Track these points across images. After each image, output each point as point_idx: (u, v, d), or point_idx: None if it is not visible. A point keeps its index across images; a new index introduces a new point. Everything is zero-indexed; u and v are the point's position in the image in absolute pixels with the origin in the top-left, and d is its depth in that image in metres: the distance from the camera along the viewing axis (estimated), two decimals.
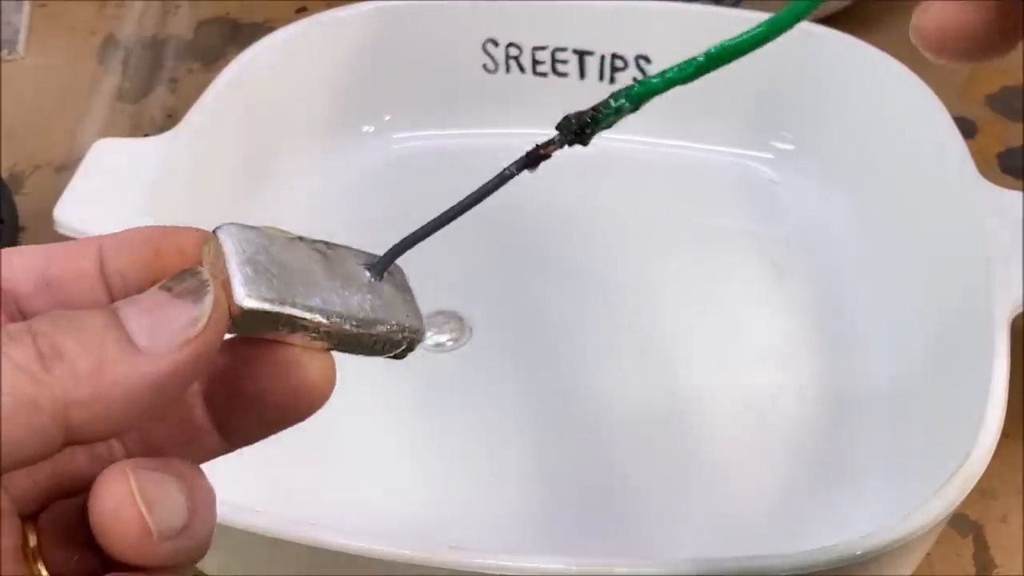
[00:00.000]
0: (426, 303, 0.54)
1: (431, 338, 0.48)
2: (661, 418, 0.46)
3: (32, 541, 0.20)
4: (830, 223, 0.52)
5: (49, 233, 0.43)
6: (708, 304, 0.50)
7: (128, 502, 0.19)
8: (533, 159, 0.22)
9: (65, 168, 0.56)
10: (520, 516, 0.43)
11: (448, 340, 0.48)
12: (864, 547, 0.33)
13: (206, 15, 0.65)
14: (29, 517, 0.21)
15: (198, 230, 0.22)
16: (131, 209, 0.43)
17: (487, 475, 0.44)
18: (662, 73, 0.23)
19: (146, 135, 0.53)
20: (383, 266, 0.23)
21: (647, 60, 0.53)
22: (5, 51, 0.62)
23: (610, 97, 0.22)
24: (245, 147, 0.51)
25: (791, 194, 0.53)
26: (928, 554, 0.40)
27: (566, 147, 0.22)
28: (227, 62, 0.51)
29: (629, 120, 0.64)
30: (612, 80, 0.53)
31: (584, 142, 0.22)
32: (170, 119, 0.58)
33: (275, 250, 0.21)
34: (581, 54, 0.53)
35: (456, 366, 0.48)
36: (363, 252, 0.23)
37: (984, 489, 0.42)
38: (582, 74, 0.54)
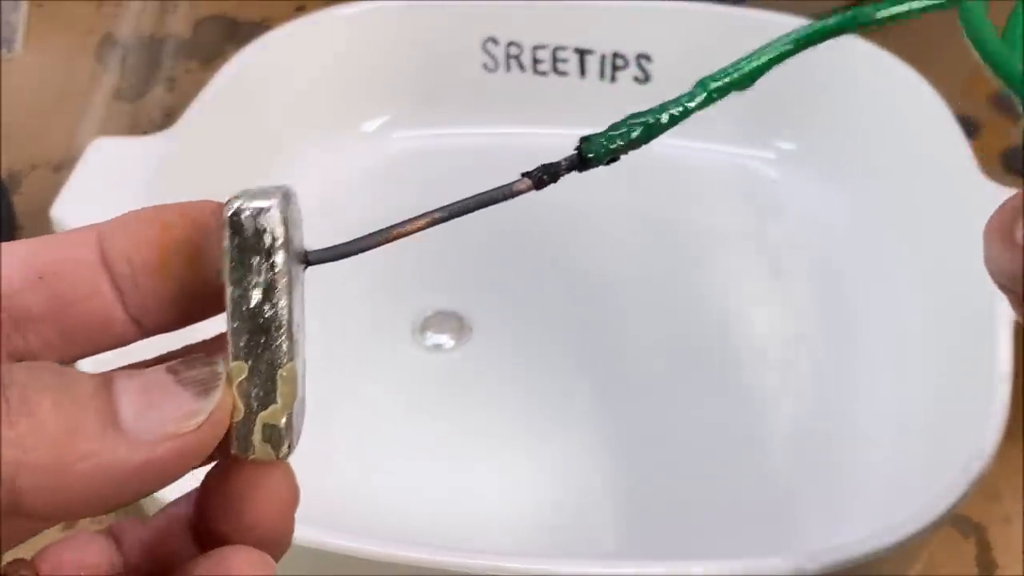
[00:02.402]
0: (426, 303, 0.54)
1: (430, 338, 0.48)
2: (661, 418, 0.46)
3: None
4: (830, 223, 0.51)
5: (47, 232, 0.43)
6: (708, 304, 0.50)
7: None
8: (544, 181, 0.20)
9: (63, 167, 0.55)
10: (519, 516, 0.43)
11: (448, 340, 0.48)
12: (865, 548, 0.33)
13: (204, 13, 0.64)
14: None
15: (212, 202, 0.20)
16: (128, 208, 0.43)
17: (486, 475, 0.44)
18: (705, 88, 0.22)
19: (144, 134, 0.53)
20: (320, 260, 0.20)
21: (648, 59, 0.53)
22: (4, 50, 0.62)
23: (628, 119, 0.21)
24: (243, 146, 0.51)
25: (792, 194, 0.53)
26: (930, 555, 0.40)
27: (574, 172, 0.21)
28: (225, 61, 0.51)
29: None
30: (613, 79, 0.53)
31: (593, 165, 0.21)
32: (168, 118, 0.57)
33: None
34: (582, 53, 0.53)
35: (455, 366, 0.48)
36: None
37: (987, 490, 0.41)
38: (583, 73, 0.54)
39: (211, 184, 0.52)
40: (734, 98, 0.56)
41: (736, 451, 0.45)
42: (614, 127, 0.21)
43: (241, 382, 0.18)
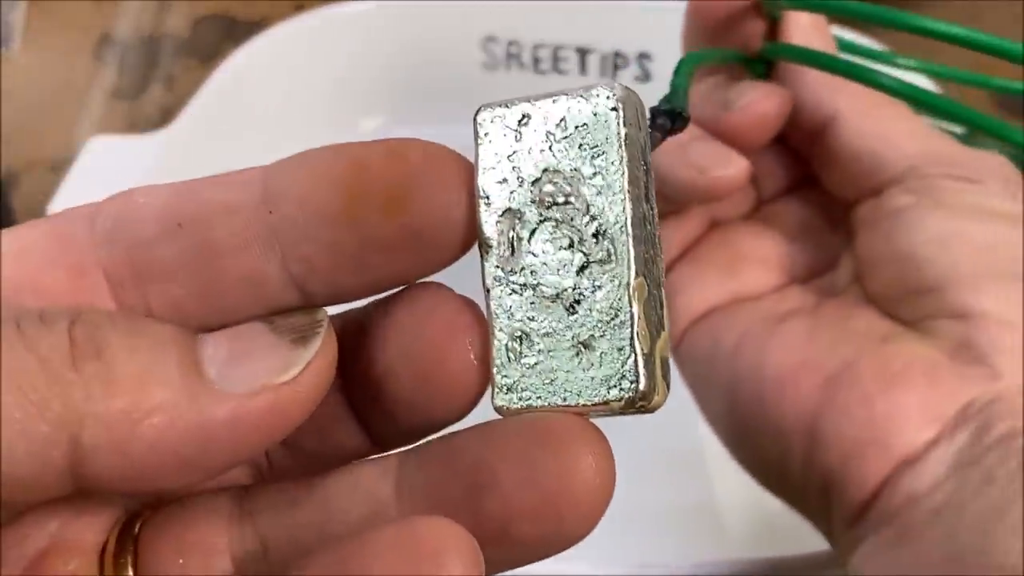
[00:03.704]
0: None
1: None
2: (661, 417, 0.46)
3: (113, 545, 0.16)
4: None
5: None
6: None
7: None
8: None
9: (61, 166, 0.55)
10: None
11: None
12: None
13: (203, 12, 0.64)
14: (128, 519, 0.17)
15: (434, 144, 0.16)
16: None
17: None
18: None
19: (142, 132, 0.53)
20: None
21: (648, 58, 0.53)
22: (3, 48, 0.62)
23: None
24: (241, 144, 0.51)
25: None
26: None
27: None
28: (224, 59, 0.51)
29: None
30: (614, 78, 0.53)
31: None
32: (166, 116, 0.57)
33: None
34: (582, 52, 0.53)
35: None
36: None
37: None
38: (583, 72, 0.53)
39: None
40: None
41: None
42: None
43: (645, 303, 0.16)
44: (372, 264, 0.16)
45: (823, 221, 0.30)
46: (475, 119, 0.17)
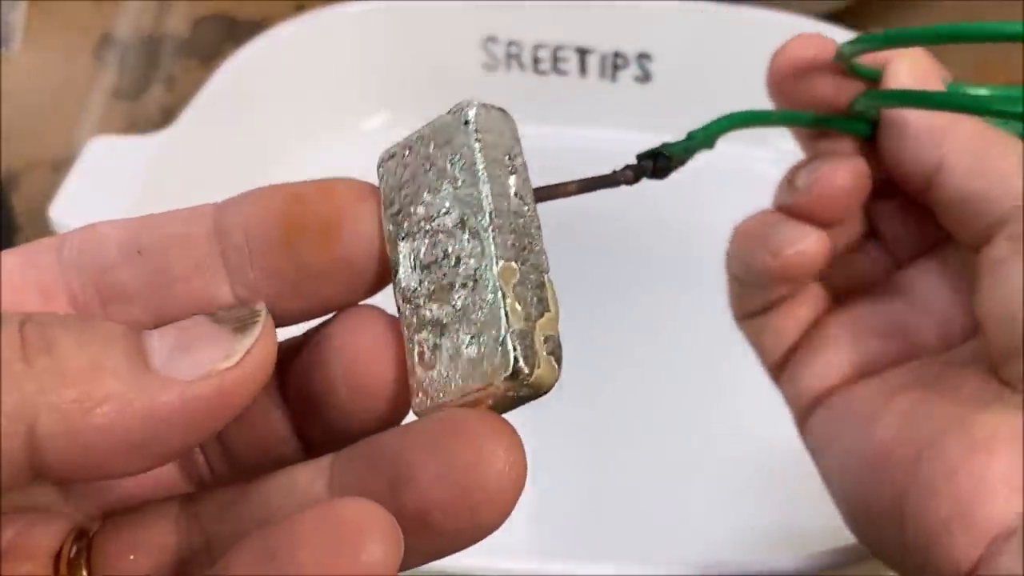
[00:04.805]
0: None
1: None
2: (663, 418, 0.46)
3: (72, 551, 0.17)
4: None
5: (45, 233, 0.43)
6: (709, 304, 0.49)
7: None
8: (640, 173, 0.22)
9: (61, 166, 0.55)
10: (516, 517, 0.43)
11: None
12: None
13: (203, 12, 0.64)
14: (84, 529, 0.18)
15: (357, 181, 0.18)
16: (126, 207, 0.43)
17: None
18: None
19: (143, 133, 0.53)
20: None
21: (648, 58, 0.53)
22: (3, 48, 0.62)
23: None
24: (242, 145, 0.51)
25: None
26: None
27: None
28: (224, 59, 0.51)
29: (628, 117, 0.64)
30: (613, 78, 0.53)
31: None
32: (167, 117, 0.57)
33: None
34: (582, 52, 0.53)
35: None
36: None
37: None
38: (583, 72, 0.53)
39: (210, 183, 0.52)
40: (734, 95, 0.56)
41: (739, 451, 0.44)
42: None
43: (515, 286, 0.17)
44: (307, 290, 0.18)
45: (964, 282, 0.28)
46: (377, 167, 0.19)
